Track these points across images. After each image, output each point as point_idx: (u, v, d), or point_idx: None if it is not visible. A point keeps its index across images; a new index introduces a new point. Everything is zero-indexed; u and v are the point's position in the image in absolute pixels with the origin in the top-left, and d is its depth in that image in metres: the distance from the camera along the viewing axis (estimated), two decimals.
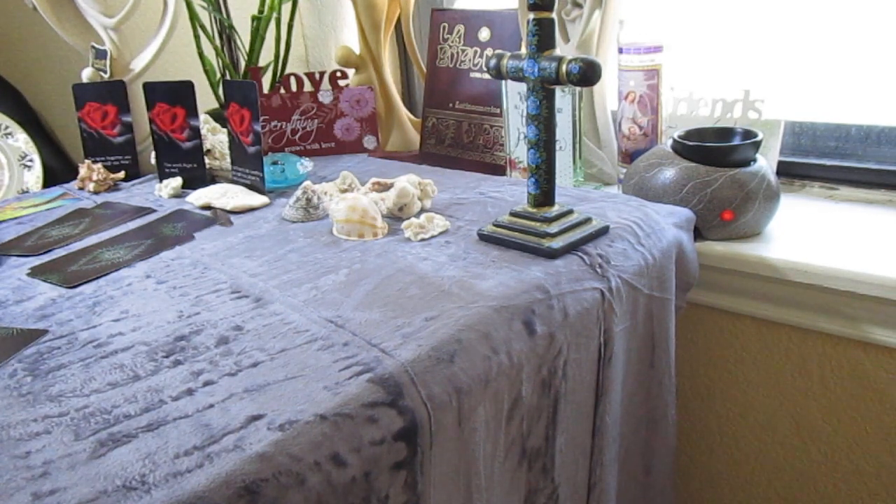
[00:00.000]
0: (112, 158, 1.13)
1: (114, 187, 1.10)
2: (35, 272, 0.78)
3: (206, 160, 1.07)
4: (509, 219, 0.75)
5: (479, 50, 1.13)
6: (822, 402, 0.87)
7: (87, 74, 1.16)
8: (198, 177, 1.06)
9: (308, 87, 1.20)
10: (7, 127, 1.34)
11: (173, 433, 0.47)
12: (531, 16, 0.67)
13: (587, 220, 0.75)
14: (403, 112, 1.32)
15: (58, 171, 1.45)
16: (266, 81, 1.26)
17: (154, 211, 0.97)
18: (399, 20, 1.28)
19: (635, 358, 0.76)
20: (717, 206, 0.82)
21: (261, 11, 1.23)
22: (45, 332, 0.64)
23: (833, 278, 0.77)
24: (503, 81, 1.01)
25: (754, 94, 0.93)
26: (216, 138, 1.10)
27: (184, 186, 1.04)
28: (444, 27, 1.18)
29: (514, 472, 0.62)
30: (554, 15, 0.68)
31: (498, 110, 1.10)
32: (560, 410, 0.65)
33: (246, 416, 0.49)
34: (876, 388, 0.82)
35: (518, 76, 0.71)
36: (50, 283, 0.75)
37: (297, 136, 1.21)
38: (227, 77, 1.31)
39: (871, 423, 0.84)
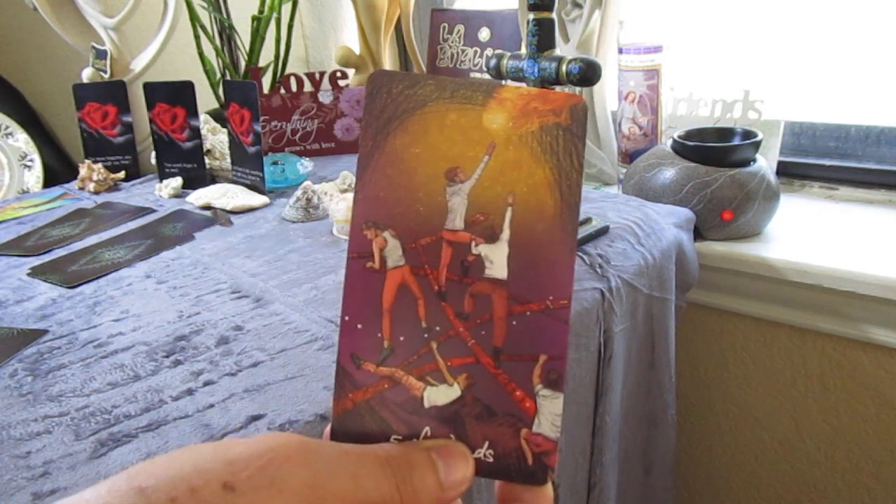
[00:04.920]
0: (112, 158, 1.13)
1: (114, 187, 1.10)
2: (35, 272, 0.78)
3: (206, 160, 1.07)
4: None
5: (479, 50, 1.13)
6: (822, 402, 0.87)
7: (87, 74, 1.16)
8: (198, 177, 1.06)
9: (308, 87, 1.20)
10: (7, 127, 1.34)
11: (173, 433, 0.47)
12: (531, 16, 0.67)
13: (587, 220, 0.75)
14: None
15: (58, 171, 1.45)
16: (266, 81, 1.26)
17: (154, 211, 0.97)
18: (399, 20, 1.28)
19: (635, 358, 0.76)
20: (717, 206, 0.82)
21: (261, 11, 1.23)
22: (45, 332, 0.64)
23: (833, 278, 0.77)
24: (503, 81, 1.00)
25: (754, 94, 0.93)
26: (216, 138, 1.10)
27: (184, 186, 1.04)
28: (444, 27, 1.18)
29: None
30: (554, 15, 0.68)
31: None
32: None
33: (246, 416, 0.49)
34: (876, 388, 0.82)
35: (518, 76, 0.71)
36: (50, 283, 0.75)
37: (297, 136, 1.21)
38: (227, 77, 1.31)
39: (871, 423, 0.84)
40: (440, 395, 0.25)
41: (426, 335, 0.26)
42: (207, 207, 0.96)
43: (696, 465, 1.02)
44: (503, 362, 0.25)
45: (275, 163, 1.04)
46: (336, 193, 0.93)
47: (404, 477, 0.23)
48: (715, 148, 0.84)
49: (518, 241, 0.25)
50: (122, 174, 1.11)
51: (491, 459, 0.25)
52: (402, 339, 0.26)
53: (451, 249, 0.26)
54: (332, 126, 1.22)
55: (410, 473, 0.23)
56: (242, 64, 1.30)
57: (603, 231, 0.75)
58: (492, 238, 0.26)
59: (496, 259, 0.25)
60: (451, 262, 0.26)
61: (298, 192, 0.89)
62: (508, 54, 0.72)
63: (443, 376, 0.26)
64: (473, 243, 0.26)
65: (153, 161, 1.09)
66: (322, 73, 1.20)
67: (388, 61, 1.30)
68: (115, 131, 1.13)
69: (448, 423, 0.25)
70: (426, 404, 0.25)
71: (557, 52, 0.68)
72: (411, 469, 0.23)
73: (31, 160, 1.34)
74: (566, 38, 1.03)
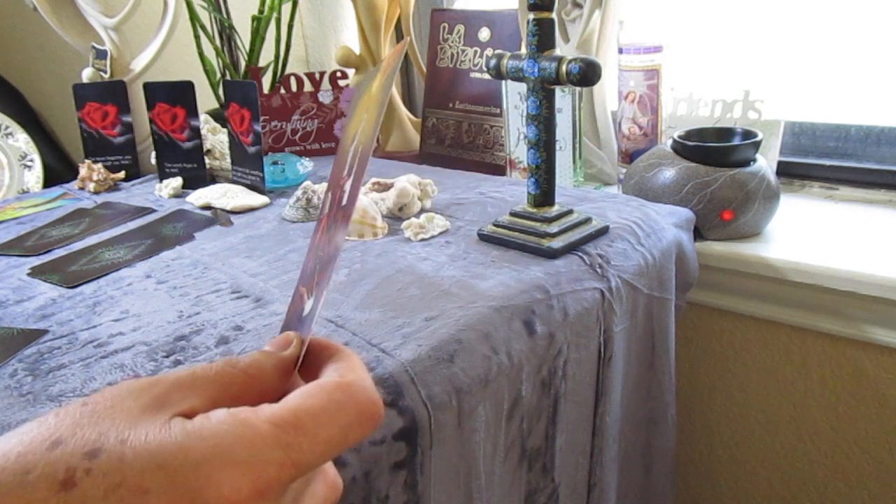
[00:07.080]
0: (112, 158, 1.13)
1: (114, 187, 1.10)
2: (35, 272, 0.78)
3: (206, 160, 1.07)
4: (509, 219, 0.75)
5: (479, 50, 1.13)
6: (822, 402, 0.87)
7: (87, 74, 1.16)
8: (198, 177, 1.06)
9: (308, 87, 1.20)
10: (7, 127, 1.34)
11: None
12: (531, 16, 0.67)
13: (587, 220, 0.75)
14: (403, 112, 1.32)
15: (58, 171, 1.45)
16: (266, 81, 1.26)
17: (154, 211, 0.97)
18: (399, 20, 1.28)
19: (635, 358, 0.76)
20: (717, 206, 0.82)
21: (261, 11, 1.23)
22: (45, 332, 0.64)
23: (833, 278, 0.77)
24: (503, 81, 1.01)
25: (754, 94, 0.93)
26: (216, 138, 1.10)
27: (184, 186, 1.04)
28: (444, 27, 1.18)
29: (514, 472, 0.62)
30: (554, 15, 0.68)
31: (498, 110, 1.10)
32: (560, 410, 0.65)
33: None
34: (876, 388, 0.82)
35: (518, 76, 0.71)
36: (50, 283, 0.75)
37: (297, 136, 1.21)
38: (227, 77, 1.31)
39: (871, 423, 0.84)
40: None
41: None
42: (207, 207, 0.96)
43: (696, 465, 1.02)
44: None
45: (275, 163, 1.04)
46: None
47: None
48: (715, 148, 0.84)
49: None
50: (122, 174, 1.11)
51: None
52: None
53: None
54: (332, 126, 1.22)
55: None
56: (242, 64, 1.30)
57: (603, 231, 0.75)
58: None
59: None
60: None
61: (298, 192, 0.89)
62: (508, 54, 0.72)
63: None
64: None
65: (153, 161, 1.09)
66: (322, 73, 1.20)
67: None
68: (115, 131, 1.13)
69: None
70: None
71: (557, 52, 0.68)
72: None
73: (31, 160, 1.34)
74: (566, 38, 1.03)
